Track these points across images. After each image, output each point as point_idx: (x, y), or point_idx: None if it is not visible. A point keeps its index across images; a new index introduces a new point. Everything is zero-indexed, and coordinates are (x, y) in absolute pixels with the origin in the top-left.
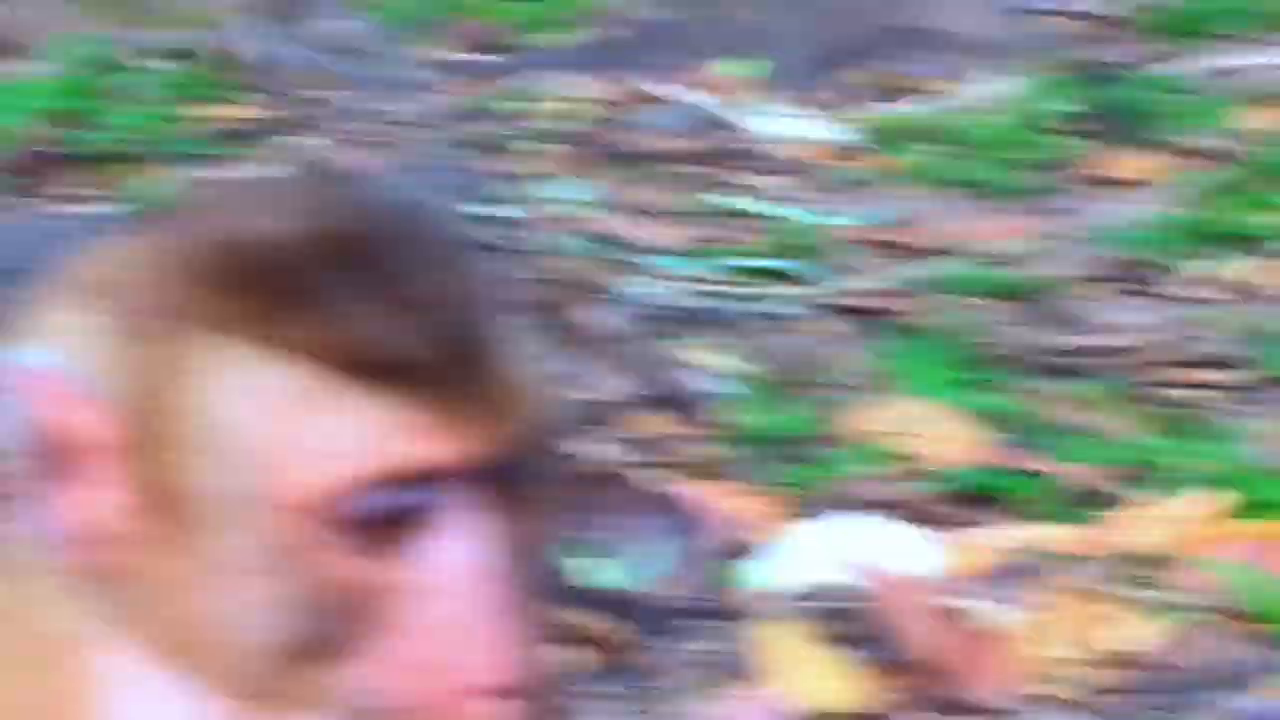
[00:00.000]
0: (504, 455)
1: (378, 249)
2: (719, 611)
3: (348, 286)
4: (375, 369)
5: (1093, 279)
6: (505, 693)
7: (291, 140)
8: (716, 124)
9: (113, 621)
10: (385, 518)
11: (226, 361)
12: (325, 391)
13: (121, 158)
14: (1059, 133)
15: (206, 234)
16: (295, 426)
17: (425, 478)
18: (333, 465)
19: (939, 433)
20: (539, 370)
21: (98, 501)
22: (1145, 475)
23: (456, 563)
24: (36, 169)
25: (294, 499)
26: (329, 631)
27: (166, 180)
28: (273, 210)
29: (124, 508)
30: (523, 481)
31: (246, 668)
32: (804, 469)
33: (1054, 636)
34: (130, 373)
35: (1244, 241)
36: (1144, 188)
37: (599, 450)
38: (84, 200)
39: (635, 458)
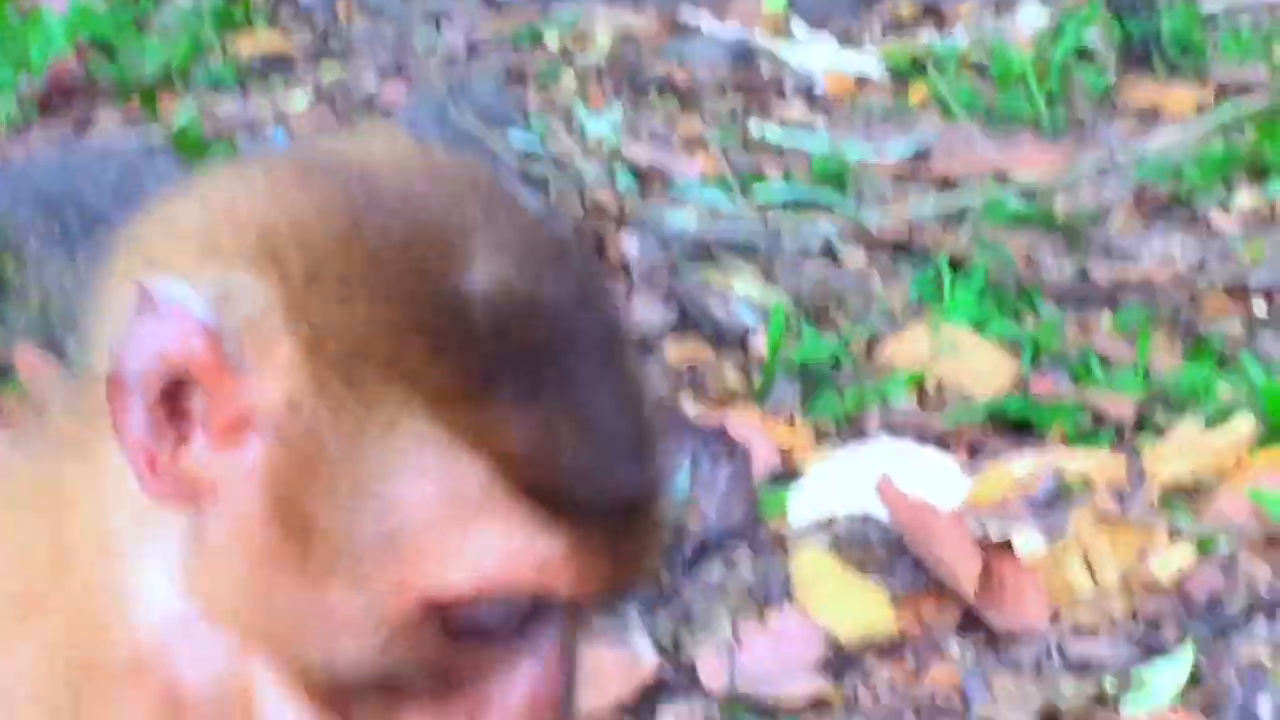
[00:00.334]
0: (620, 592)
1: (597, 349)
2: (755, 539)
3: (558, 389)
4: (552, 497)
5: (1130, 210)
6: None
7: (327, 71)
8: (753, 55)
9: (171, 562)
10: (490, 626)
11: (408, 427)
12: (493, 500)
13: (153, 88)
14: (1096, 64)
15: (431, 271)
16: (449, 521)
17: (543, 601)
18: (470, 573)
19: (973, 362)
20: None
21: (208, 459)
22: (1181, 403)
23: (540, 672)
24: (68, 100)
25: (420, 586)
26: (399, 690)
27: (199, 111)
28: (499, 257)
29: (236, 484)
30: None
31: (313, 677)
32: (838, 398)
33: (1088, 565)
34: (298, 396)
35: None
36: (1181, 119)
37: None
38: (116, 132)
39: (672, 386)
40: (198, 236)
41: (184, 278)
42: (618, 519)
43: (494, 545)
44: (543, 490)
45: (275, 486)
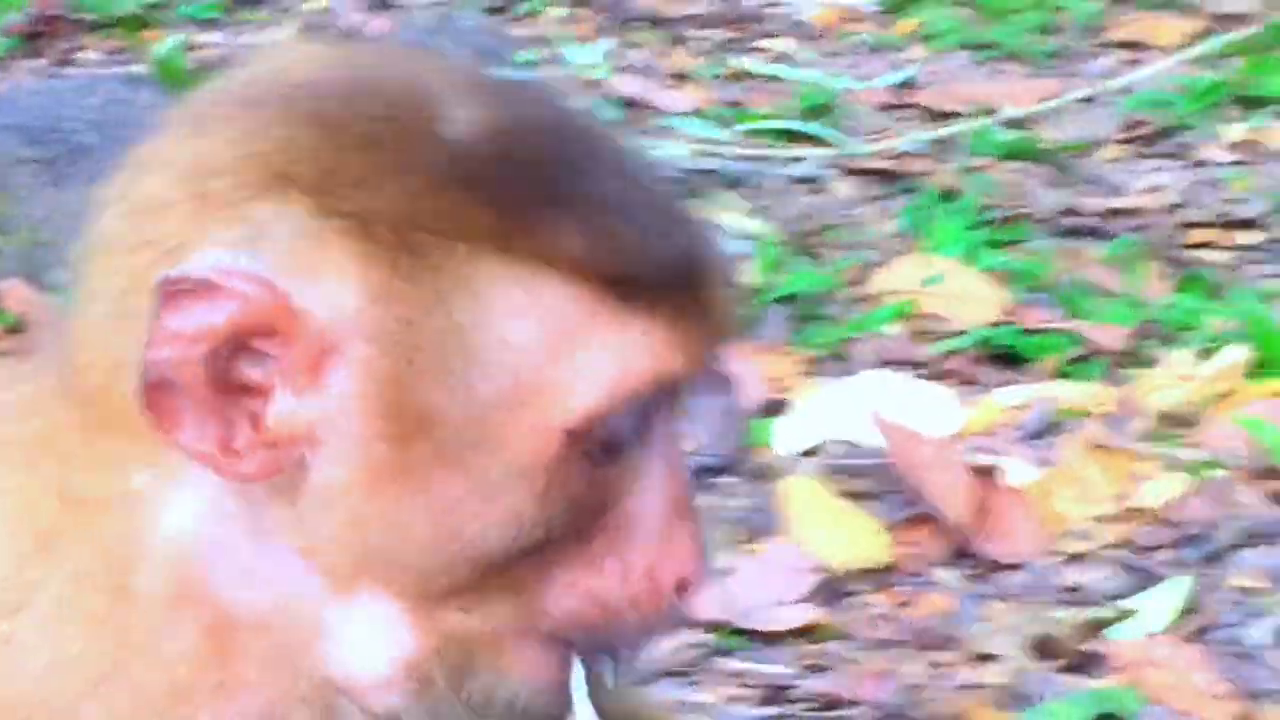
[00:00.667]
0: (712, 364)
1: (605, 149)
2: (746, 468)
3: (591, 187)
4: (634, 283)
5: (1119, 142)
6: (696, 586)
7: (306, 4)
8: None
9: (265, 525)
10: (625, 432)
11: (484, 275)
12: (588, 309)
13: (136, 21)
14: None
15: (435, 126)
16: (559, 347)
17: (663, 391)
18: (597, 387)
19: (963, 292)
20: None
21: (295, 409)
22: (1170, 335)
23: (666, 470)
24: (50, 33)
25: (557, 421)
26: (553, 540)
27: (182, 44)
28: (489, 99)
29: (336, 418)
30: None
31: (445, 577)
32: (829, 328)
33: (1078, 493)
34: (373, 287)
35: (1272, 104)
36: (1170, 50)
37: None
38: (97, 64)
39: None
40: (188, 199)
41: (198, 243)
42: (696, 282)
43: (607, 351)
44: (624, 280)
45: (383, 395)
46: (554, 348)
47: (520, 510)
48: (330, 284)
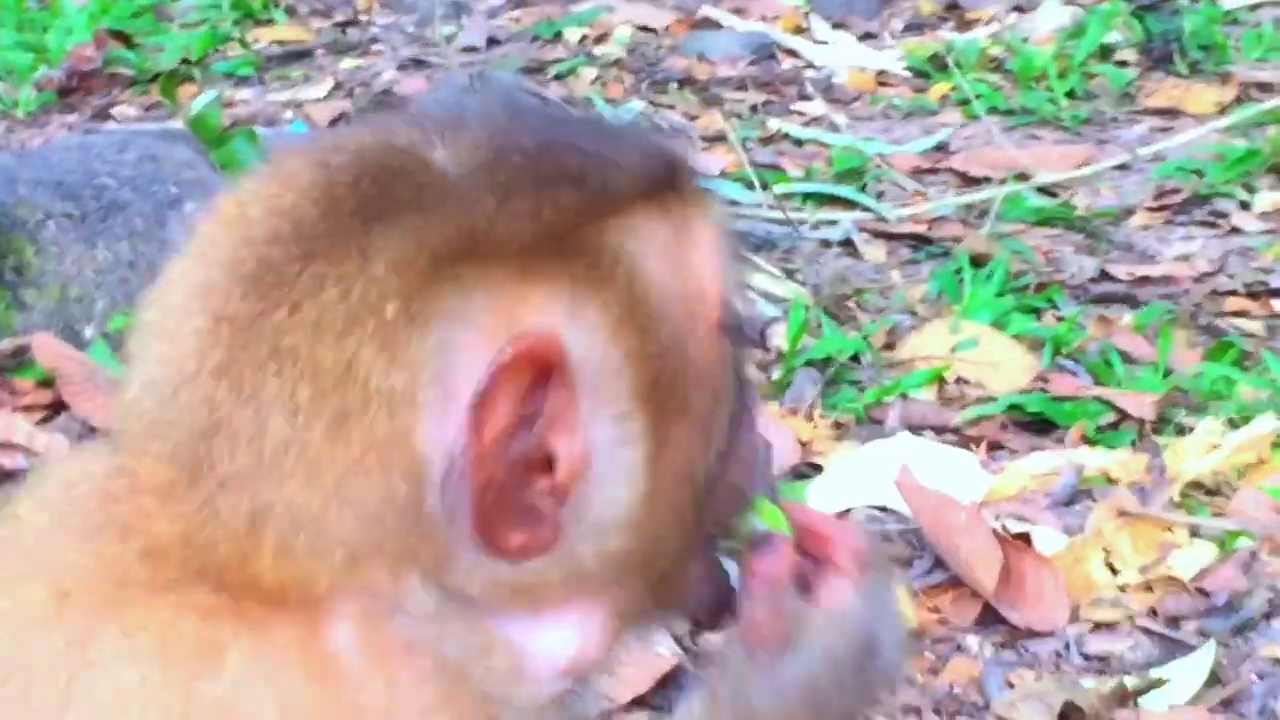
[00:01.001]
0: None
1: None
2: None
3: (605, 129)
4: (674, 185)
5: (1151, 209)
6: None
7: (342, 63)
8: (776, 51)
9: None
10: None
11: (619, 238)
12: (675, 217)
13: (172, 78)
14: (1118, 63)
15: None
16: (685, 257)
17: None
18: (713, 271)
19: (994, 358)
20: None
21: (569, 452)
22: (1200, 403)
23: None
24: (87, 88)
25: (712, 318)
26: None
27: (215, 99)
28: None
29: (602, 439)
30: None
31: (667, 558)
32: (858, 393)
33: (1107, 561)
34: (577, 299)
35: None
36: (1202, 118)
37: None
38: (132, 119)
39: None
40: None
41: (426, 334)
42: (690, 173)
43: (698, 243)
44: (666, 185)
45: (633, 383)
46: (682, 261)
47: (720, 433)
48: (551, 314)
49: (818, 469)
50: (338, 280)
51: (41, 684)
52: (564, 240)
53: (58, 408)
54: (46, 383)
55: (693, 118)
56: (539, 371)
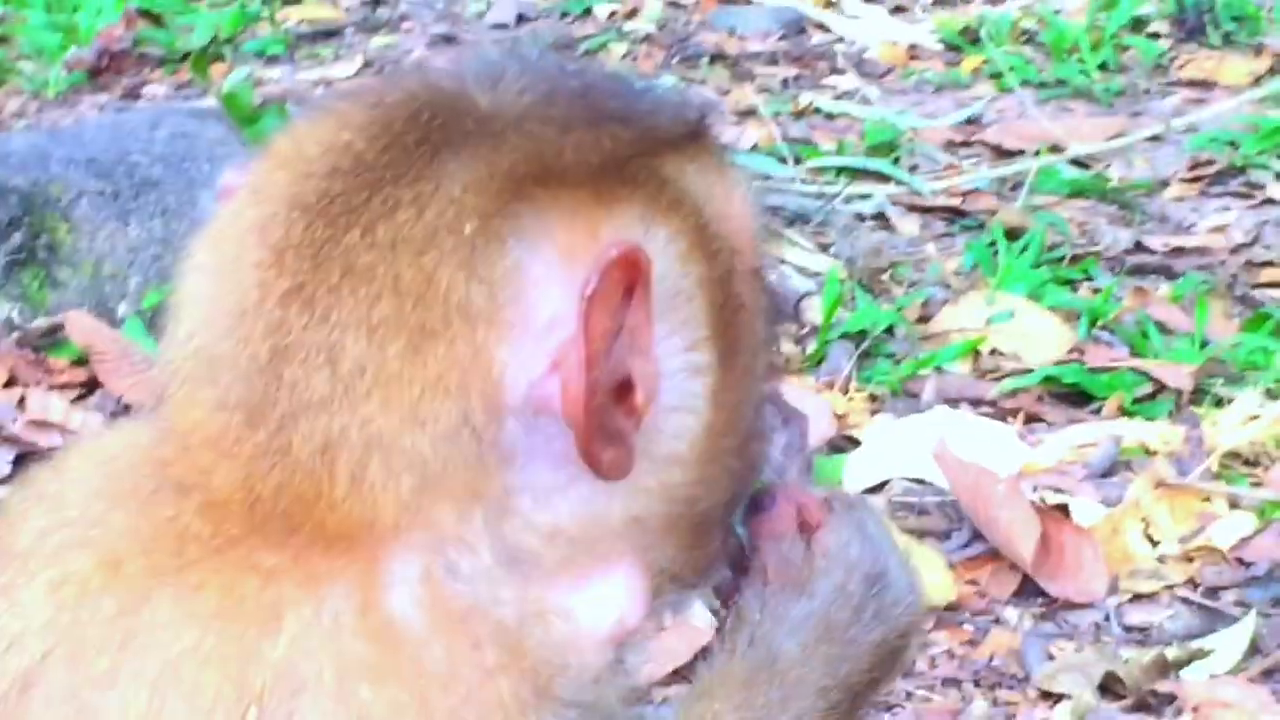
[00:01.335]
0: None
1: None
2: None
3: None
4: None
5: (1185, 180)
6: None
7: (372, 41)
8: (806, 25)
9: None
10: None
11: (679, 175)
12: (712, 158)
13: (203, 57)
14: (1150, 35)
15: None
16: (730, 195)
17: None
18: (755, 228)
19: (1030, 330)
20: None
21: (648, 372)
22: (1237, 374)
23: None
24: (116, 68)
25: (752, 261)
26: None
27: (246, 78)
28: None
29: (676, 364)
30: None
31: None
32: (893, 365)
33: (1145, 532)
34: (653, 223)
35: None
36: (1236, 90)
37: None
38: (162, 99)
39: None
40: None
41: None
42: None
43: (736, 188)
44: (699, 132)
45: (708, 319)
46: (726, 204)
47: (761, 383)
48: (631, 234)
49: (854, 442)
50: (412, 202)
51: (92, 649)
52: (627, 169)
53: (92, 386)
54: (80, 361)
55: (724, 93)
56: (627, 289)
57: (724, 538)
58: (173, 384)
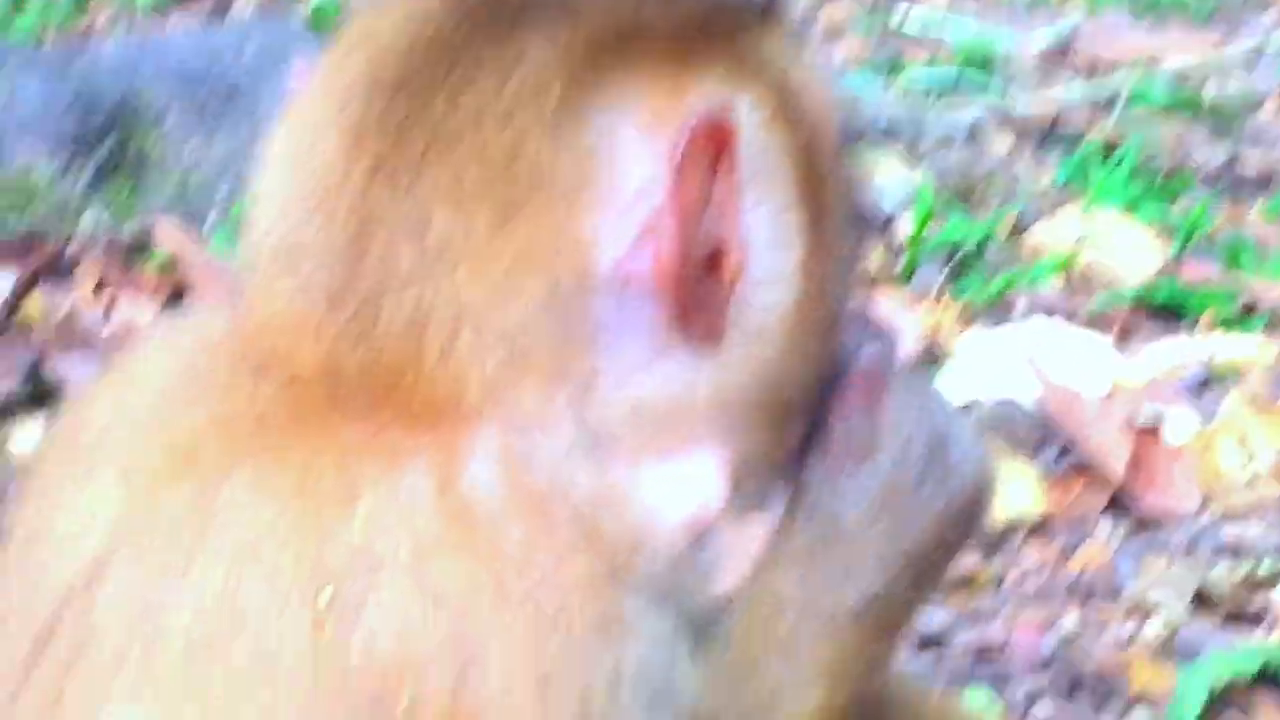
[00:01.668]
0: None
1: None
2: None
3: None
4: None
5: None
6: None
7: None
8: None
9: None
10: None
11: (750, 49)
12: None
13: None
14: None
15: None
16: (819, 85)
17: None
18: (835, 106)
19: (1123, 246)
20: None
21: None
22: None
23: None
24: None
25: (832, 140)
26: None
27: None
28: None
29: (766, 233)
30: None
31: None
32: (984, 280)
33: (1238, 449)
34: (733, 91)
35: None
36: None
37: None
38: (252, 15)
39: None
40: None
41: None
42: None
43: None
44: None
45: (796, 186)
46: (807, 79)
47: (846, 263)
48: (717, 98)
49: (945, 356)
50: (495, 71)
51: (163, 538)
52: (705, 38)
53: (179, 293)
54: (168, 268)
55: (816, 8)
56: (715, 154)
57: (806, 433)
58: (252, 277)
